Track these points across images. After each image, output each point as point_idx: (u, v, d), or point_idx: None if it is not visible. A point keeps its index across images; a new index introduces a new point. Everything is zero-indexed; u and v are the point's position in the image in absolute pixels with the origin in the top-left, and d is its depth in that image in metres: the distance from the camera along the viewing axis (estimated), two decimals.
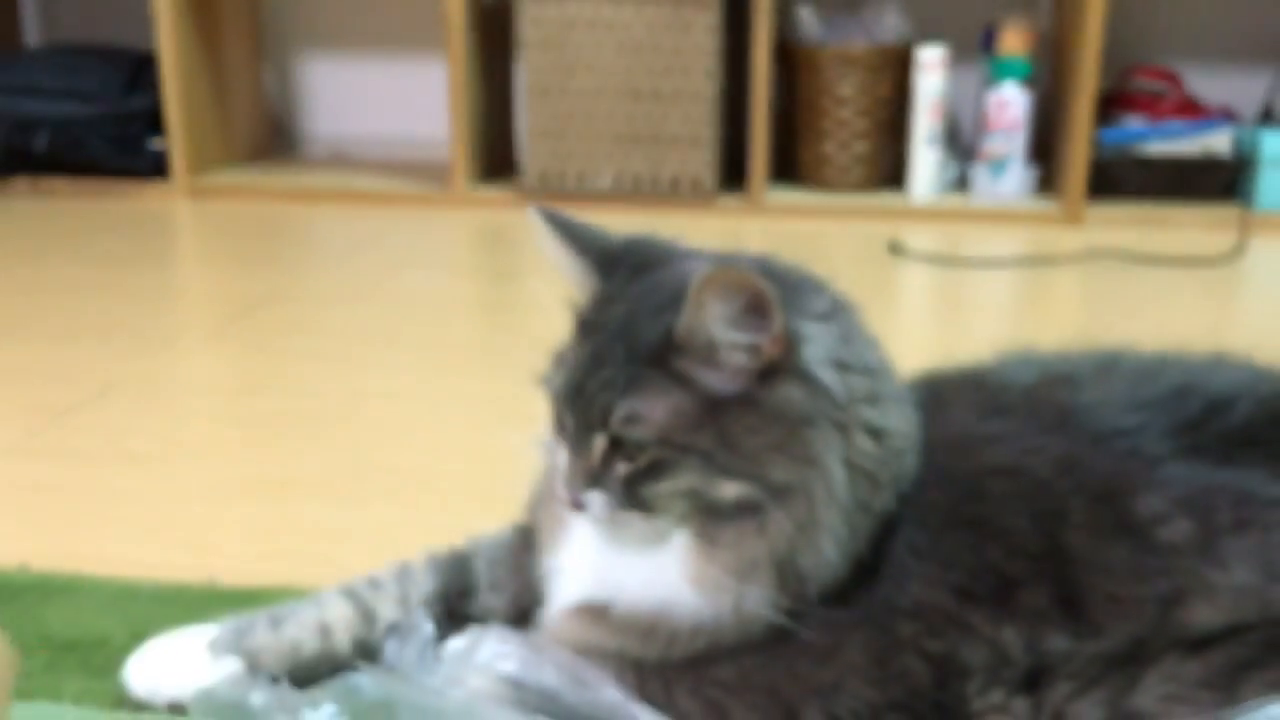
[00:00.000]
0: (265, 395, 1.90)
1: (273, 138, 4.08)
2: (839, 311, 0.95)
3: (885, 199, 3.35)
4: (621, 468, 0.87)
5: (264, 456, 1.63)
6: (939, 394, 1.02)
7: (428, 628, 0.99)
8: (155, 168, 3.60)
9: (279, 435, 1.71)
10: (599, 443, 0.88)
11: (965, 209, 3.28)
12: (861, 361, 0.94)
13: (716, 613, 0.89)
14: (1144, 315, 2.47)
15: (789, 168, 3.48)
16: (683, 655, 0.90)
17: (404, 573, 1.07)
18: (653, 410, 0.86)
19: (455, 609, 1.05)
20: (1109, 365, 1.07)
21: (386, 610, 1.04)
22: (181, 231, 3.28)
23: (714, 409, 0.86)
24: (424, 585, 1.06)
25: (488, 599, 1.05)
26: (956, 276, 2.78)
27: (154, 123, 3.59)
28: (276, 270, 2.74)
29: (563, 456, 0.91)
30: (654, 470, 0.87)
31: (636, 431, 0.86)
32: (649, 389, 0.86)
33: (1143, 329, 2.29)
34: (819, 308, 0.92)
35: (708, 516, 0.88)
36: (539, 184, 3.37)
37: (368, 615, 1.03)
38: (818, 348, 0.89)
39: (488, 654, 0.93)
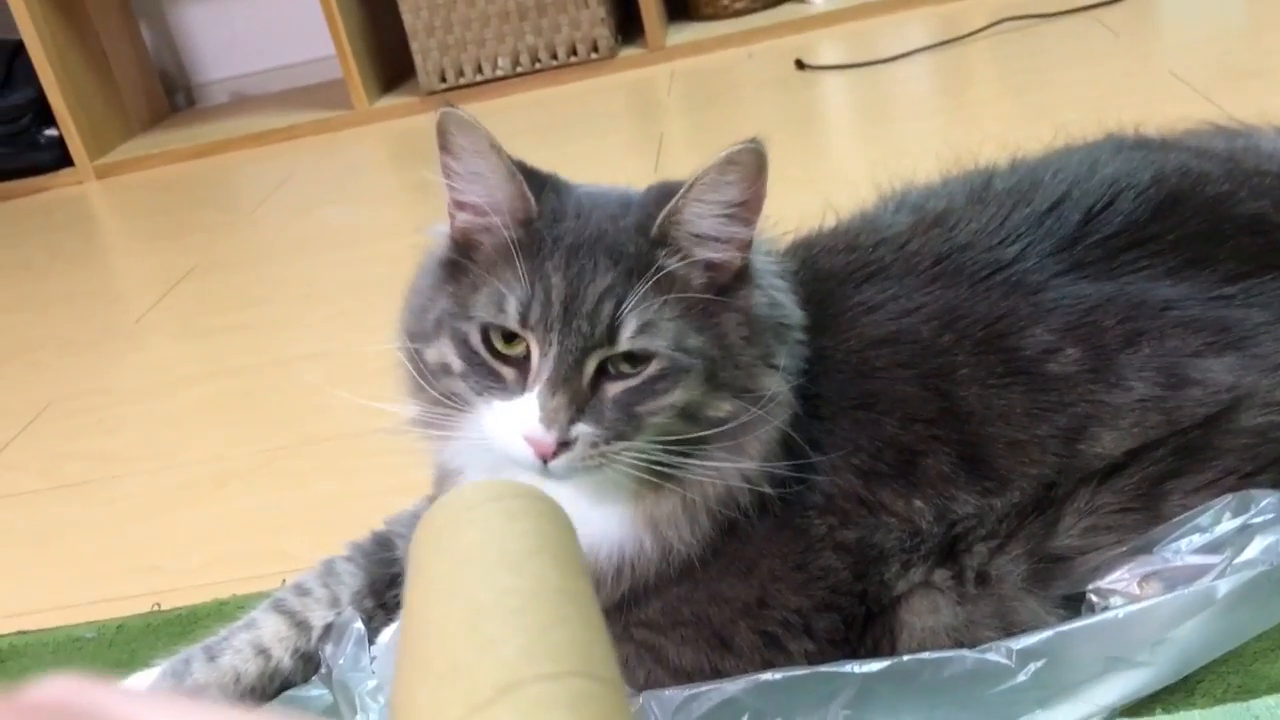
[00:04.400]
0: (194, 385, 1.86)
1: (169, 96, 3.97)
2: None
3: (784, 12, 3.26)
4: (613, 388, 0.80)
5: (199, 454, 1.60)
6: (812, 266, 0.98)
7: (358, 627, 0.98)
8: (57, 158, 3.51)
9: (212, 426, 1.69)
10: (592, 365, 0.80)
11: (866, 2, 3.18)
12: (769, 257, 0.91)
13: (643, 549, 0.86)
14: (1060, 72, 2.42)
15: (683, 5, 3.39)
16: (607, 602, 0.88)
17: (329, 572, 1.05)
18: (664, 314, 0.80)
19: (387, 599, 1.04)
20: (982, 192, 1.03)
21: (318, 616, 1.02)
22: (94, 219, 3.21)
23: (707, 312, 0.82)
24: (351, 582, 1.04)
25: None
26: (870, 77, 2.70)
27: (43, 113, 3.48)
28: (192, 239, 2.67)
29: (524, 401, 0.79)
30: (656, 382, 0.80)
31: (652, 342, 0.79)
32: (653, 293, 0.80)
33: (1061, 89, 2.25)
34: None
35: (682, 444, 0.82)
36: (438, 81, 3.28)
37: (301, 625, 1.02)
38: (760, 255, 0.87)
39: None
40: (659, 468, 0.82)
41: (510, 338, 0.81)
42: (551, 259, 0.81)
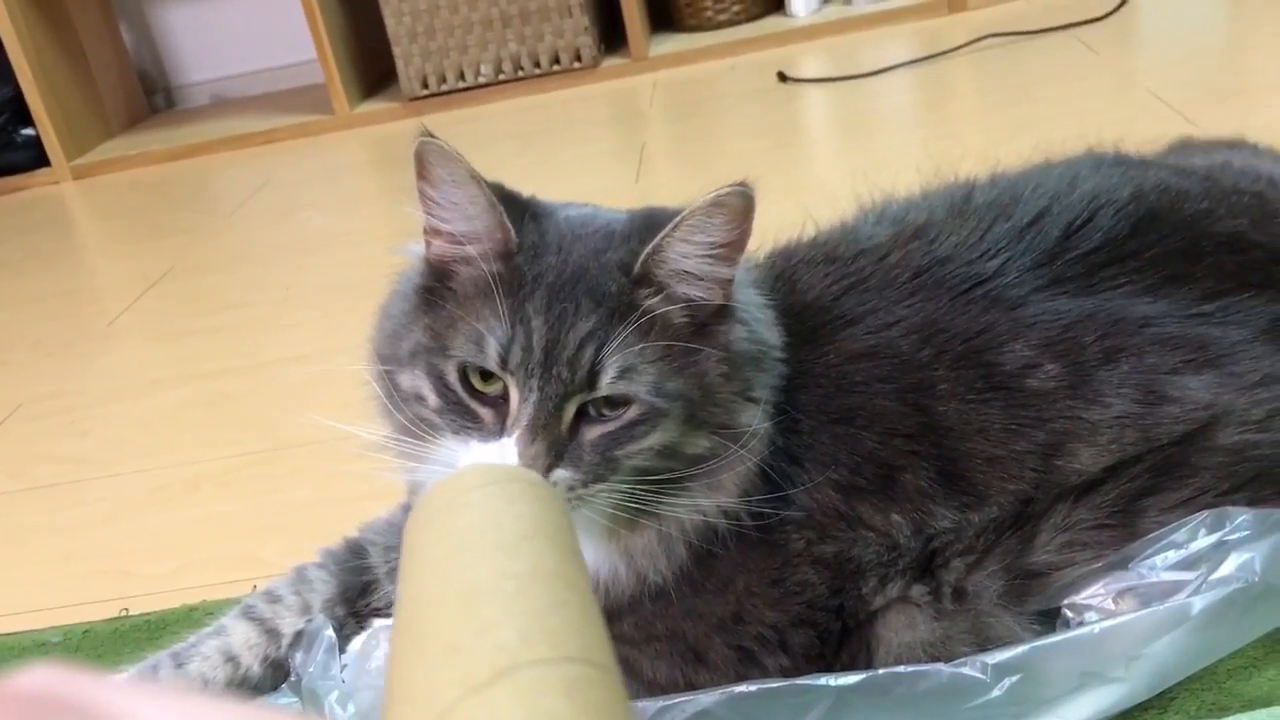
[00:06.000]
0: (169, 387, 1.85)
1: (148, 97, 3.95)
2: None
3: (767, 24, 3.26)
4: (592, 432, 0.79)
5: (171, 458, 1.59)
6: (791, 278, 0.98)
7: (329, 634, 0.97)
8: (34, 158, 3.48)
9: (186, 429, 1.67)
10: (571, 409, 0.79)
11: (848, 17, 3.19)
12: (747, 285, 0.90)
13: (618, 576, 0.86)
14: (1040, 88, 2.42)
15: (667, 16, 3.39)
16: None
17: (300, 579, 1.04)
18: (644, 358, 0.78)
19: (358, 607, 1.03)
20: (962, 205, 1.02)
21: (289, 623, 1.01)
22: (70, 219, 3.18)
23: (687, 353, 0.80)
24: (322, 589, 1.03)
25: (389, 588, 1.02)
26: (852, 91, 2.71)
27: (20, 112, 3.46)
28: (169, 241, 2.66)
29: (502, 446, 0.78)
30: (635, 426, 0.79)
31: (631, 387, 0.78)
32: (634, 337, 0.78)
33: (1041, 105, 2.26)
34: None
35: (660, 482, 0.81)
36: (420, 87, 3.27)
37: (271, 633, 1.01)
38: (740, 286, 0.86)
39: (380, 658, 0.91)
40: (635, 505, 0.81)
41: (488, 375, 0.80)
42: (532, 299, 0.79)
